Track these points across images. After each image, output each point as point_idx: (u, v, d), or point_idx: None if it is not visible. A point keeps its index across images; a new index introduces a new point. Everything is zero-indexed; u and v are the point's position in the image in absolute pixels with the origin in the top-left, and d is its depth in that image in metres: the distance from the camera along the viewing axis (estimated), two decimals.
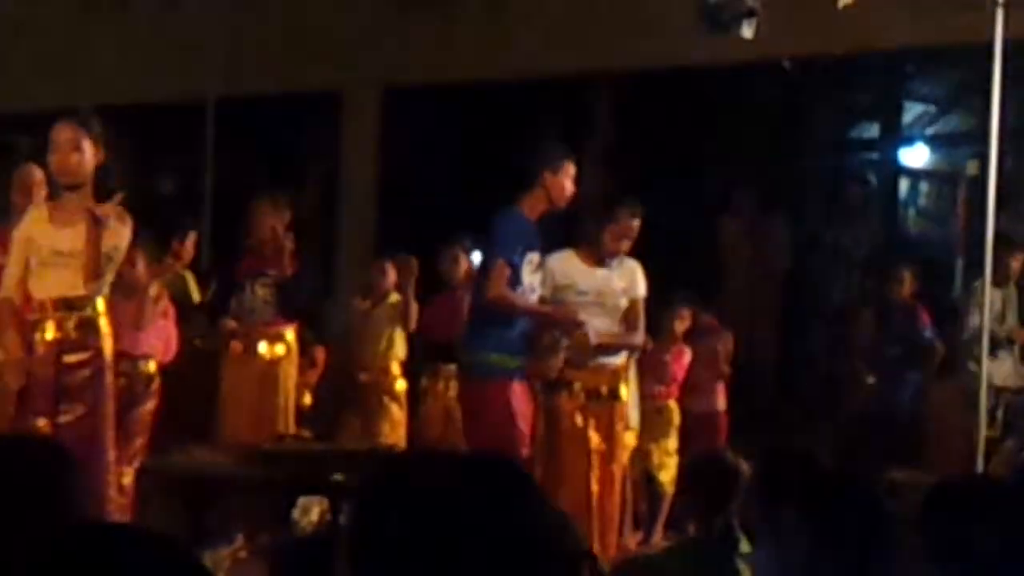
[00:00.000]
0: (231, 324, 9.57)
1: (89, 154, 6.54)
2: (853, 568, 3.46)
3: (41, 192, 7.17)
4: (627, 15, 11.49)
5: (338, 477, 7.51)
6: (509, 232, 7.39)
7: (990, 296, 8.67)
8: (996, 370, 9.32)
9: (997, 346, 9.52)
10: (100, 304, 6.58)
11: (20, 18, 13.46)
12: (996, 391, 9.47)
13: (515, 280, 7.33)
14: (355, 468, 7.33)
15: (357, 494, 1.90)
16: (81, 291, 6.49)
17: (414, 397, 10.10)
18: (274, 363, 9.50)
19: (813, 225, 12.47)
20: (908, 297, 10.60)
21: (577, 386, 7.79)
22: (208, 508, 7.88)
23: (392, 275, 9.98)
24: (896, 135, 12.76)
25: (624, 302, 7.88)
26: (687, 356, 9.89)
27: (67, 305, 6.52)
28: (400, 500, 1.81)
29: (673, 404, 9.81)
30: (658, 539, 9.38)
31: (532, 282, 7.46)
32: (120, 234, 6.56)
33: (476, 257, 9.44)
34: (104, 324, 6.59)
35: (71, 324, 6.51)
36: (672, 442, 9.71)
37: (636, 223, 7.82)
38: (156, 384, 8.62)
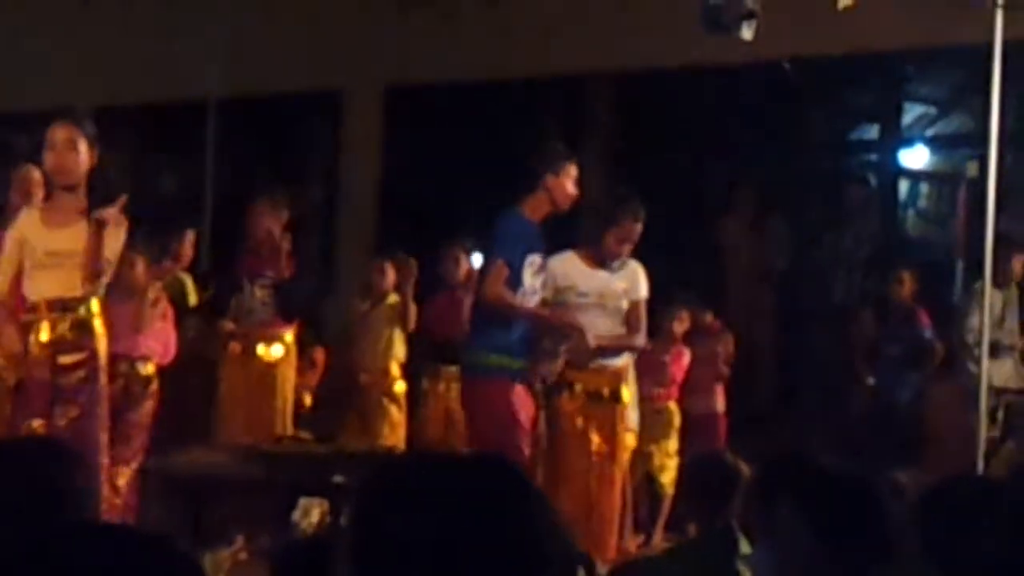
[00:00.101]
0: (229, 325, 9.56)
1: (85, 154, 6.54)
2: (851, 567, 3.46)
3: (40, 193, 7.17)
4: (627, 16, 11.49)
5: (339, 479, 7.51)
6: (509, 233, 7.39)
7: (991, 298, 8.67)
8: (996, 371, 9.32)
9: (998, 350, 9.52)
10: (95, 305, 6.57)
11: (20, 18, 13.46)
12: (996, 392, 9.47)
13: (515, 282, 7.32)
14: (355, 470, 7.33)
15: (356, 495, 1.90)
16: (76, 292, 6.49)
17: (414, 398, 10.10)
18: (272, 365, 9.49)
19: (813, 226, 12.47)
20: (908, 298, 10.60)
21: (578, 387, 7.79)
22: (209, 509, 7.89)
23: (391, 275, 9.97)
24: (896, 136, 12.75)
25: (625, 303, 7.88)
26: (686, 357, 9.89)
27: (61, 306, 6.51)
28: (398, 501, 1.82)
29: (673, 406, 9.81)
30: (658, 541, 9.38)
31: (534, 284, 7.44)
32: (118, 236, 6.56)
33: (477, 258, 9.45)
34: (99, 325, 6.59)
35: (66, 325, 6.51)
36: (672, 444, 9.71)
37: (638, 226, 7.81)
38: (154, 386, 8.61)
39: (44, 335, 6.50)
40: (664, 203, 8.92)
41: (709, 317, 10.39)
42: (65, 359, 6.50)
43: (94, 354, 6.56)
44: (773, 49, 9.79)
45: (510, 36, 12.15)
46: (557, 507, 7.11)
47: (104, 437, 6.54)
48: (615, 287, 7.86)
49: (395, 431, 9.93)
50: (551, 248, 7.66)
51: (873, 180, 12.83)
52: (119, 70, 13.29)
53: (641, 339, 8.02)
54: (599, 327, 7.73)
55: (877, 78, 12.49)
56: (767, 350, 12.03)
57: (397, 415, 9.98)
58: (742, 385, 10.58)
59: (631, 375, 8.12)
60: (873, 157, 13.36)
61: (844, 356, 11.10)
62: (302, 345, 9.98)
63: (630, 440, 8.19)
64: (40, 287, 6.52)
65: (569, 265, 7.83)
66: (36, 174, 7.30)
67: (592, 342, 7.59)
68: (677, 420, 9.78)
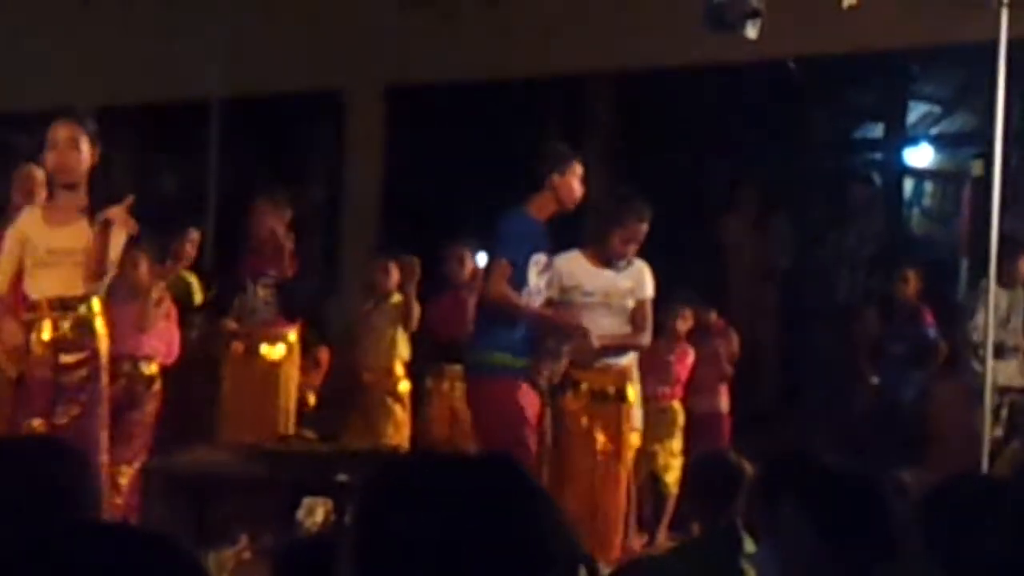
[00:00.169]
0: (232, 325, 9.57)
1: (86, 153, 6.56)
2: (855, 566, 3.45)
3: (42, 192, 7.18)
4: (628, 15, 11.49)
5: (343, 478, 7.51)
6: (513, 232, 7.38)
7: (997, 297, 8.66)
8: (1000, 370, 9.31)
9: (1002, 350, 9.52)
10: (96, 304, 6.58)
11: (20, 18, 13.46)
12: (1000, 391, 9.47)
13: (519, 281, 7.32)
14: (360, 469, 7.32)
15: (359, 494, 1.90)
16: (77, 291, 6.49)
17: (418, 398, 10.10)
18: (275, 364, 9.50)
19: (817, 225, 12.46)
20: (912, 297, 10.60)
21: (584, 386, 7.79)
22: (212, 509, 7.89)
23: (395, 275, 9.96)
24: (900, 135, 12.74)
25: (631, 302, 7.87)
26: (690, 356, 9.88)
27: (63, 305, 6.52)
28: (402, 500, 1.81)
29: (677, 405, 9.80)
30: (663, 540, 9.37)
31: (539, 284, 7.44)
32: (119, 236, 6.56)
33: (481, 258, 9.44)
34: (100, 324, 6.59)
35: (67, 324, 6.51)
36: (677, 443, 9.70)
37: (644, 227, 7.80)
38: (157, 386, 8.62)
39: (46, 334, 6.50)
40: (666, 202, 8.90)
41: (713, 316, 10.38)
42: (67, 358, 6.51)
43: (95, 353, 6.56)
44: (777, 48, 9.78)
45: (510, 36, 12.15)
46: (562, 506, 7.11)
47: (104, 436, 6.55)
48: (621, 286, 7.85)
49: (399, 430, 9.93)
50: (555, 248, 7.66)
51: (877, 179, 12.82)
52: (120, 70, 13.30)
53: (646, 338, 8.01)
54: (604, 326, 7.73)
55: (881, 77, 12.49)
56: (771, 349, 12.03)
57: (401, 414, 9.98)
58: (746, 384, 10.58)
59: (635, 374, 8.11)
60: (877, 156, 13.35)
61: (848, 355, 11.09)
62: (306, 344, 9.98)
63: (634, 439, 8.18)
64: (41, 285, 6.53)
65: (575, 264, 7.83)
66: (38, 173, 7.30)
67: (596, 342, 7.58)
68: (681, 419, 9.77)
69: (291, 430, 9.28)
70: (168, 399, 8.72)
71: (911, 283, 10.57)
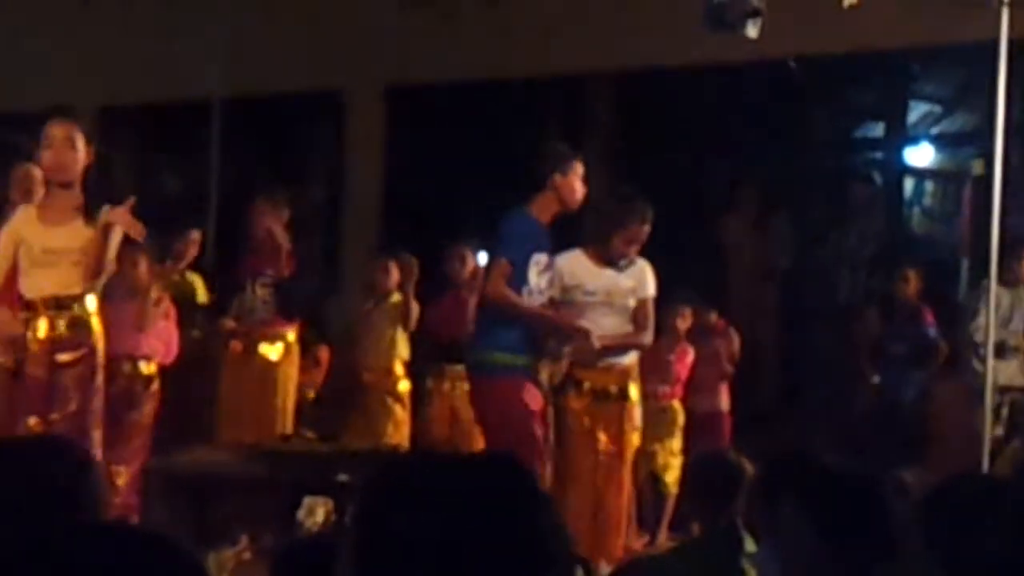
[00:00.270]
0: (230, 324, 9.58)
1: (82, 152, 6.57)
2: (855, 566, 3.45)
3: (40, 192, 7.18)
4: (628, 15, 11.49)
5: (343, 478, 7.52)
6: (513, 233, 7.38)
7: (998, 296, 8.66)
8: (1001, 369, 9.31)
9: (1004, 350, 9.52)
10: (92, 303, 6.59)
11: (20, 18, 13.46)
12: (1001, 390, 9.47)
13: (519, 280, 7.31)
14: (360, 469, 7.33)
15: (359, 494, 1.90)
16: (73, 289, 6.51)
17: (418, 397, 10.10)
18: (273, 364, 9.51)
19: (817, 224, 12.46)
20: (913, 296, 10.60)
21: (586, 386, 7.78)
22: (212, 509, 7.89)
23: (395, 274, 9.97)
24: (901, 134, 12.74)
25: (633, 302, 7.87)
26: (690, 355, 9.88)
27: (58, 304, 6.53)
28: (402, 500, 1.81)
29: (677, 404, 9.80)
30: (663, 540, 9.37)
31: (539, 283, 7.43)
32: (118, 235, 6.58)
33: (482, 257, 9.44)
34: (96, 323, 6.60)
35: (63, 322, 6.53)
36: (677, 442, 9.70)
37: (646, 228, 7.80)
38: (156, 385, 8.62)
39: (42, 332, 6.51)
40: (667, 202, 8.90)
41: (713, 316, 10.38)
42: (63, 357, 6.52)
43: (92, 351, 6.58)
44: (777, 47, 9.77)
45: (511, 36, 12.15)
46: (564, 506, 7.12)
47: (97, 434, 6.55)
48: (622, 285, 7.85)
49: (399, 430, 9.93)
50: (555, 247, 7.65)
51: (878, 178, 12.82)
52: (120, 70, 13.31)
53: (648, 337, 8.01)
54: (606, 325, 7.73)
55: (882, 76, 12.48)
56: (771, 349, 12.03)
57: (401, 414, 9.99)
58: (746, 384, 10.58)
59: (637, 373, 8.11)
60: (878, 155, 13.35)
61: (848, 355, 11.10)
62: (306, 344, 9.99)
63: (635, 439, 8.18)
64: (37, 285, 6.54)
65: (576, 264, 7.82)
66: (37, 173, 7.31)
67: (598, 342, 7.58)
68: (681, 419, 9.77)
69: (289, 429, 9.29)
70: (167, 399, 8.73)
71: (911, 283, 10.57)
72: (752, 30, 8.02)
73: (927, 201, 13.20)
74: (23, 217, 6.71)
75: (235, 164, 12.54)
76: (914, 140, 12.72)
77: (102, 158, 6.71)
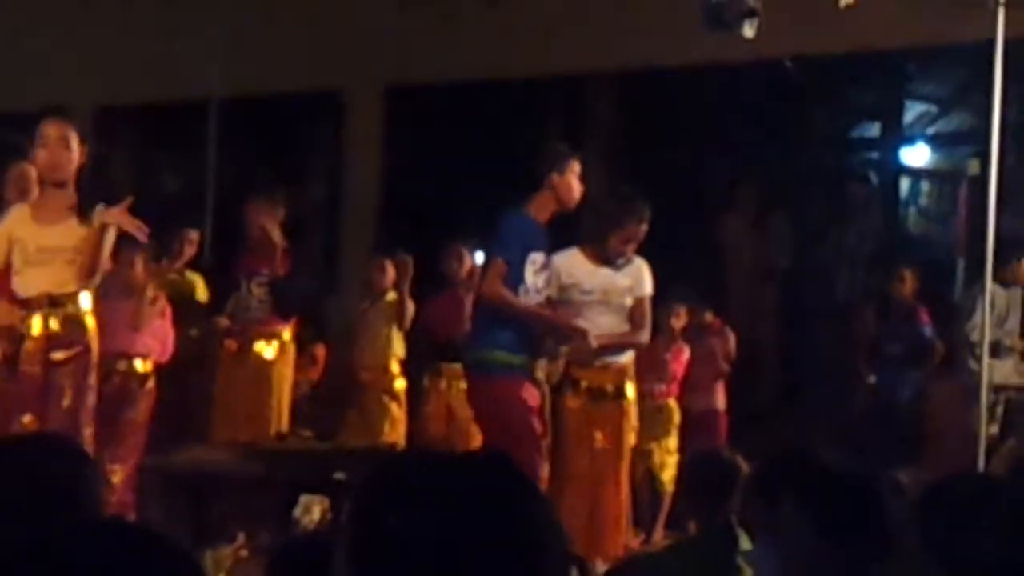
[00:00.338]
0: (224, 322, 9.59)
1: (76, 151, 6.58)
2: (853, 564, 3.46)
3: (36, 190, 7.20)
4: (628, 15, 11.49)
5: (340, 476, 7.53)
6: (510, 232, 7.39)
7: (994, 296, 8.67)
8: (996, 368, 9.32)
9: (999, 350, 9.53)
10: (86, 301, 6.60)
11: (20, 18, 13.46)
12: (996, 389, 9.48)
13: (516, 280, 7.32)
14: (357, 467, 7.34)
15: (355, 493, 1.91)
16: (67, 288, 6.52)
17: (415, 396, 10.11)
18: (268, 362, 9.51)
19: (814, 224, 12.46)
20: (909, 296, 10.61)
21: (583, 385, 7.79)
22: (210, 507, 7.90)
23: (391, 273, 9.97)
24: (897, 134, 12.75)
25: (630, 300, 7.88)
26: (686, 354, 9.89)
27: (52, 302, 6.54)
28: (398, 499, 1.82)
29: (673, 403, 9.81)
30: (659, 539, 9.38)
31: (536, 283, 7.43)
32: (112, 234, 6.60)
33: (480, 257, 9.45)
34: (90, 321, 6.62)
35: (57, 320, 6.54)
36: (673, 441, 9.71)
37: (643, 228, 7.81)
38: (151, 384, 8.62)
39: (36, 330, 6.52)
40: (665, 201, 8.92)
41: (708, 315, 10.37)
42: (57, 355, 6.54)
43: (86, 349, 6.60)
44: (775, 47, 9.79)
45: (510, 36, 12.15)
46: (561, 505, 7.12)
47: (89, 432, 6.56)
48: (619, 284, 7.86)
49: (395, 428, 9.94)
50: (553, 246, 7.66)
51: (875, 178, 12.82)
52: (120, 70, 13.30)
53: (645, 336, 8.02)
54: (603, 324, 7.74)
55: (879, 76, 12.49)
56: (769, 348, 12.04)
57: (397, 412, 10.00)
58: (744, 383, 10.59)
59: (633, 372, 8.12)
60: (875, 155, 13.36)
61: (847, 354, 11.10)
62: (302, 343, 9.99)
63: (632, 438, 8.19)
64: (32, 283, 6.55)
65: (573, 262, 7.83)
66: (32, 171, 7.32)
67: (595, 342, 7.58)
68: (677, 417, 9.78)
69: (284, 428, 9.30)
70: (164, 397, 8.73)
71: (907, 282, 10.58)
72: (749, 30, 8.03)
73: (923, 201, 13.21)
74: (17, 216, 6.72)
75: (234, 163, 12.54)
76: (910, 140, 12.73)
77: (101, 157, 6.72)
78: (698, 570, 5.13)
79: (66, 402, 6.50)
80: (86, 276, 6.52)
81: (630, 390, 7.91)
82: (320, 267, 12.91)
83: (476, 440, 8.63)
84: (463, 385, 8.72)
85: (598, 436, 7.77)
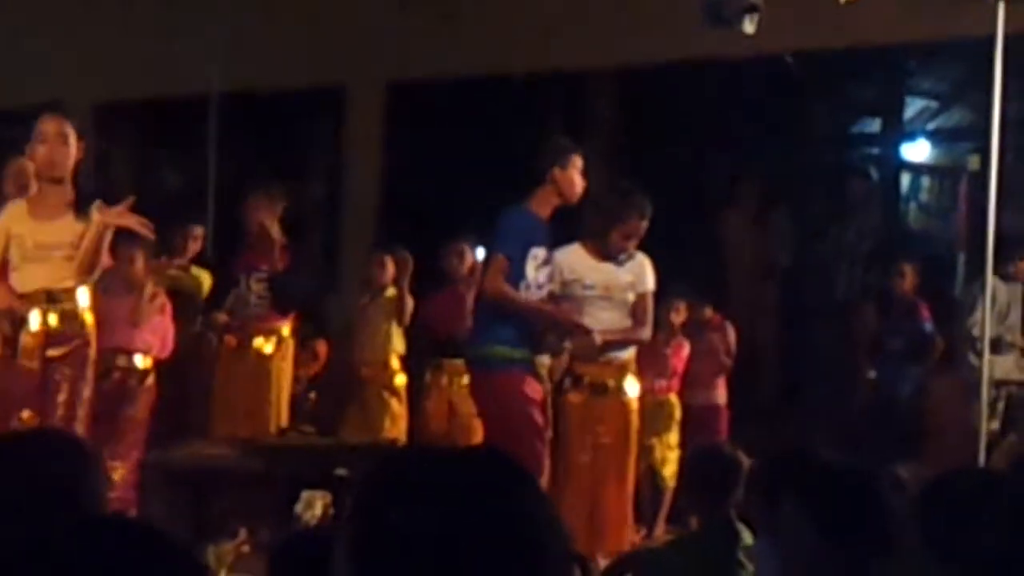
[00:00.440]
0: (222, 318, 9.60)
1: (74, 147, 6.58)
2: (853, 561, 3.47)
3: (35, 186, 7.20)
4: (629, 10, 11.49)
5: (341, 471, 7.53)
6: (510, 228, 7.39)
7: (996, 291, 8.67)
8: (997, 364, 9.32)
9: (1000, 345, 9.53)
10: (84, 297, 6.60)
11: (20, 16, 13.46)
12: (997, 384, 9.48)
13: (517, 276, 7.32)
14: (358, 463, 7.34)
15: (356, 488, 1.91)
16: (65, 283, 6.53)
17: (416, 392, 10.11)
18: (267, 358, 9.52)
19: (815, 220, 12.47)
20: (909, 291, 10.60)
21: (585, 380, 7.79)
22: (211, 503, 7.90)
23: (390, 269, 9.98)
24: (898, 130, 12.75)
25: (632, 296, 7.88)
26: (685, 349, 9.90)
27: (49, 298, 6.55)
28: (398, 494, 1.82)
29: (674, 398, 9.82)
30: (660, 534, 9.39)
31: (538, 278, 7.43)
32: (109, 232, 6.60)
33: (481, 253, 9.46)
34: (88, 317, 6.62)
35: (55, 316, 6.54)
36: (674, 436, 9.72)
37: (644, 223, 7.81)
38: (151, 380, 8.62)
39: (34, 326, 6.53)
40: (666, 197, 8.91)
41: (708, 311, 10.37)
42: (55, 351, 6.54)
43: (83, 344, 6.60)
44: (775, 43, 9.79)
45: (511, 32, 12.15)
46: (562, 501, 7.12)
47: (84, 426, 6.56)
48: (621, 279, 7.86)
49: (396, 424, 9.95)
50: (554, 241, 7.66)
51: (875, 174, 12.82)
52: (120, 66, 13.30)
53: (647, 332, 8.02)
54: (605, 320, 7.74)
55: (879, 72, 12.48)
56: (770, 344, 12.04)
57: (397, 408, 10.00)
58: (745, 379, 10.59)
59: (634, 367, 8.12)
60: (875, 151, 13.36)
61: (846, 350, 11.10)
62: (304, 339, 9.99)
63: (635, 434, 8.19)
64: (30, 279, 6.56)
65: (575, 258, 7.83)
66: (31, 167, 7.33)
67: (598, 338, 7.58)
68: (678, 413, 9.78)
69: (284, 423, 9.31)
70: (164, 393, 8.73)
71: (908, 278, 10.58)
72: (749, 26, 8.04)
73: (923, 196, 13.21)
74: (14, 212, 6.72)
75: (235, 160, 12.54)
76: (911, 136, 12.73)
77: (102, 154, 6.73)
78: (700, 565, 5.14)
79: (62, 396, 6.51)
80: (84, 272, 6.53)
81: (631, 385, 7.91)
82: (321, 264, 12.91)
83: (477, 436, 8.64)
84: (464, 381, 8.72)
85: (600, 431, 7.77)
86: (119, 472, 8.07)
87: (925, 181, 13.20)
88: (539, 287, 7.46)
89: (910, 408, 10.50)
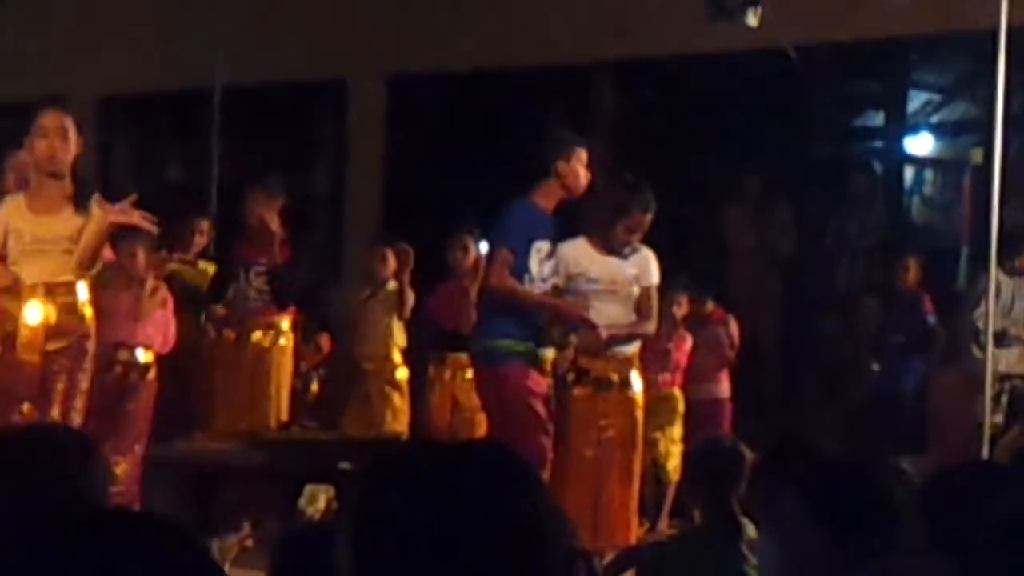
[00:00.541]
0: (220, 311, 9.60)
1: (73, 142, 6.58)
2: (855, 554, 3.46)
3: (34, 180, 7.19)
4: (632, 4, 11.49)
5: (344, 465, 7.53)
6: (513, 221, 7.39)
7: (1000, 285, 8.66)
8: (1002, 357, 9.32)
9: (1005, 338, 9.53)
10: (83, 291, 6.61)
11: (22, 8, 13.46)
12: (1001, 378, 9.48)
13: (521, 269, 7.32)
14: (361, 457, 7.34)
15: (357, 482, 1.91)
16: (65, 277, 6.53)
17: (419, 386, 10.11)
18: (267, 351, 9.52)
19: (818, 213, 12.46)
20: (913, 285, 10.61)
21: (590, 374, 7.79)
22: (215, 496, 7.91)
23: (392, 262, 9.98)
24: (901, 123, 12.74)
25: (636, 290, 7.87)
26: (688, 343, 9.90)
27: (48, 291, 6.55)
28: (399, 488, 1.82)
29: (677, 392, 9.82)
30: (664, 527, 9.39)
31: (542, 271, 7.43)
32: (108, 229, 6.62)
33: (484, 246, 9.45)
34: (88, 310, 6.63)
35: (54, 309, 6.55)
36: (677, 430, 9.72)
37: (649, 217, 7.79)
38: (152, 374, 8.61)
39: (33, 319, 6.53)
40: (669, 191, 8.91)
41: (710, 304, 10.36)
42: (53, 344, 6.54)
43: (83, 338, 6.60)
44: (778, 36, 9.78)
45: (514, 24, 12.15)
46: (567, 494, 7.11)
47: (79, 419, 6.57)
48: (626, 273, 7.85)
49: (397, 417, 9.94)
50: (559, 235, 7.65)
51: (878, 167, 12.82)
52: (124, 60, 13.30)
53: (652, 326, 8.01)
54: (610, 314, 7.72)
55: (882, 65, 12.48)
56: (772, 338, 12.04)
57: (399, 402, 10.00)
58: (747, 372, 10.59)
59: (638, 361, 8.12)
60: (878, 144, 13.36)
61: (850, 344, 11.10)
62: (305, 332, 9.99)
63: (641, 428, 8.18)
64: (27, 273, 6.56)
65: (579, 251, 7.82)
66: (31, 161, 7.32)
67: (604, 332, 7.58)
68: (681, 406, 9.78)
69: (284, 417, 9.31)
70: (170, 387, 8.73)
71: (911, 271, 10.58)
72: (752, 19, 8.03)
73: (927, 190, 13.21)
74: (13, 206, 6.71)
75: (237, 153, 12.54)
76: (914, 129, 12.73)
77: (104, 147, 6.72)
78: (703, 559, 5.14)
79: (60, 386, 6.52)
80: (84, 267, 6.53)
81: (636, 379, 7.90)
82: (323, 257, 12.91)
83: (481, 430, 8.64)
84: (468, 375, 8.72)
85: (605, 426, 7.76)
86: (122, 467, 8.06)
87: (928, 175, 13.20)
88: (543, 281, 7.46)
89: (913, 401, 10.50)
